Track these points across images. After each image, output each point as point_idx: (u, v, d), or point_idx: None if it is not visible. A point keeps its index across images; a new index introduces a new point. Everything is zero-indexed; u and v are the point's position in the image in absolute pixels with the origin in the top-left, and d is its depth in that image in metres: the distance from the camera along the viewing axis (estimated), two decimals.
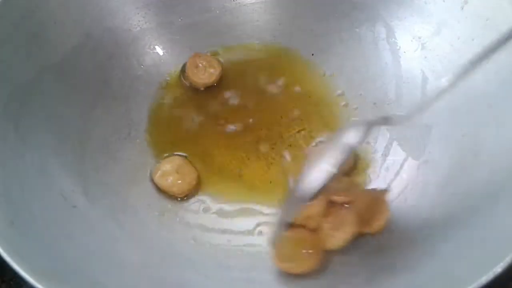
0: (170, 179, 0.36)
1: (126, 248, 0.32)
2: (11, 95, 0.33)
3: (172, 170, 0.36)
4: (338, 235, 0.31)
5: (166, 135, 0.39)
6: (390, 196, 0.34)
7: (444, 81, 0.28)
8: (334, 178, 0.27)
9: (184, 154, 0.38)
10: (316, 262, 0.31)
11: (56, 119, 0.35)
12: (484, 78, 0.35)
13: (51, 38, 0.36)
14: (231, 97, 0.41)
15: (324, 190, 0.27)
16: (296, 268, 0.31)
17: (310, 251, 0.31)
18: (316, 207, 0.31)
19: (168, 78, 0.41)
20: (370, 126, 0.29)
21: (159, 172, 0.36)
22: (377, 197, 0.32)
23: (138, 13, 0.41)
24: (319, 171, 0.28)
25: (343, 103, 0.40)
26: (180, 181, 0.36)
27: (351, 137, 0.28)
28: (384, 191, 0.33)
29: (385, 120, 0.30)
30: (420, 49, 0.39)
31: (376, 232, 0.32)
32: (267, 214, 0.35)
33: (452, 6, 0.37)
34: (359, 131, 0.28)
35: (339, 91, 0.40)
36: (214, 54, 0.42)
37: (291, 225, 0.31)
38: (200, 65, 0.41)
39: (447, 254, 0.28)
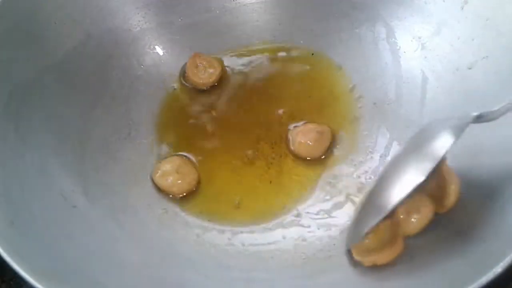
0: (170, 179, 0.36)
1: (126, 248, 0.32)
2: (11, 95, 0.33)
3: (172, 170, 0.36)
4: (416, 220, 0.29)
5: (166, 135, 0.39)
6: None
7: None
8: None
9: (184, 154, 0.38)
10: (400, 248, 0.29)
11: (56, 119, 0.35)
12: (484, 78, 0.35)
13: (51, 38, 0.36)
14: (231, 97, 0.41)
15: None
16: (381, 259, 0.29)
17: (391, 238, 0.29)
18: None
19: (168, 78, 0.42)
20: (462, 128, 0.26)
21: (159, 172, 0.36)
22: (441, 170, 0.29)
23: (138, 13, 0.41)
24: (405, 181, 0.26)
25: (343, 102, 0.40)
26: (180, 181, 0.36)
27: (441, 144, 0.25)
28: (442, 160, 0.29)
29: (477, 118, 0.27)
30: (420, 49, 0.39)
31: (449, 209, 0.29)
32: (267, 214, 0.35)
33: (452, 6, 0.37)
34: (450, 136, 0.25)
35: (338, 91, 0.40)
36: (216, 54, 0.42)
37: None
38: (200, 65, 0.41)
39: (447, 254, 0.28)
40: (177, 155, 0.38)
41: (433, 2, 0.38)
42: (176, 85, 0.41)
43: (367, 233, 0.29)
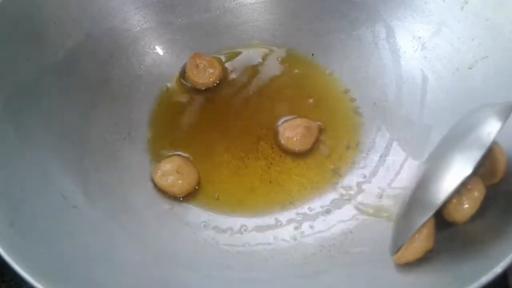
0: (171, 179, 0.36)
1: (126, 248, 0.32)
2: (11, 95, 0.33)
3: (172, 170, 0.36)
4: (467, 206, 0.27)
5: (166, 135, 0.39)
6: (390, 195, 0.34)
7: None
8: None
9: (184, 154, 0.38)
10: (431, 244, 0.27)
11: (56, 119, 0.35)
12: (484, 78, 0.35)
13: (51, 38, 0.36)
14: (231, 97, 0.41)
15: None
16: (410, 255, 0.27)
17: (426, 233, 0.27)
18: None
19: (168, 78, 0.42)
20: (507, 113, 0.24)
21: (159, 172, 0.36)
22: (490, 151, 0.27)
23: (138, 13, 0.41)
24: (452, 174, 0.24)
25: (343, 102, 0.40)
26: (180, 181, 0.36)
27: (488, 130, 0.23)
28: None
29: None
30: (420, 49, 0.39)
31: (500, 178, 0.27)
32: (267, 214, 0.35)
33: (452, 6, 0.37)
34: (496, 122, 0.23)
35: (339, 91, 0.40)
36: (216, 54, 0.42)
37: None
38: (201, 65, 0.41)
39: (447, 254, 0.28)
40: (177, 155, 0.38)
41: (433, 2, 0.38)
42: (176, 85, 0.41)
43: (415, 233, 0.27)
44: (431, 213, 0.26)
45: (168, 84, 0.41)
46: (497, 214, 0.28)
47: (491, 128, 0.24)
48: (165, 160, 0.37)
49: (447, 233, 0.29)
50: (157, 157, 0.38)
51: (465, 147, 0.25)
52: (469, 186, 0.27)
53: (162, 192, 0.36)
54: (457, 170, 0.25)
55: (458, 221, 0.28)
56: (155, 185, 0.36)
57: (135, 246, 0.32)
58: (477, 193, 0.27)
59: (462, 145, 0.25)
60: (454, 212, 0.28)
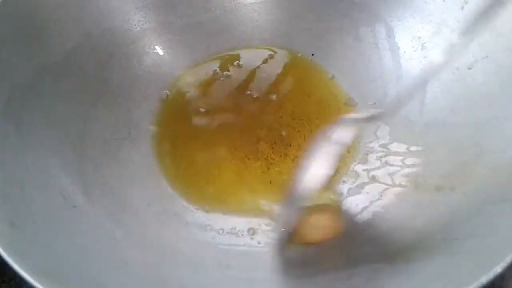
0: None
1: (126, 248, 0.32)
2: (11, 95, 0.33)
3: None
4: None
5: (166, 135, 0.39)
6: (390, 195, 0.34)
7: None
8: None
9: (184, 154, 0.38)
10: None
11: (56, 119, 0.35)
12: (484, 78, 0.35)
13: (51, 38, 0.36)
14: (231, 97, 0.41)
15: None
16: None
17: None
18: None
19: (168, 78, 0.42)
20: (358, 123, 0.29)
21: None
22: None
23: (138, 13, 0.41)
24: (315, 172, 0.28)
25: (343, 102, 0.40)
26: None
27: (342, 136, 0.28)
28: None
29: (371, 118, 0.29)
30: (420, 49, 0.39)
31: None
32: (267, 214, 0.35)
33: (452, 6, 0.37)
34: (349, 129, 0.28)
35: (339, 91, 0.40)
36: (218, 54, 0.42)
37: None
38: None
39: (447, 254, 0.28)
40: None
41: (433, 2, 0.38)
42: (175, 84, 0.41)
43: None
44: (296, 214, 0.30)
45: (174, 85, 0.41)
46: (496, 213, 0.28)
47: (344, 137, 0.29)
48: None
49: (445, 233, 0.30)
50: (157, 157, 0.38)
51: (324, 153, 0.29)
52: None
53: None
54: (317, 173, 0.28)
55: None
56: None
57: (135, 246, 0.32)
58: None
59: (323, 152, 0.29)
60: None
